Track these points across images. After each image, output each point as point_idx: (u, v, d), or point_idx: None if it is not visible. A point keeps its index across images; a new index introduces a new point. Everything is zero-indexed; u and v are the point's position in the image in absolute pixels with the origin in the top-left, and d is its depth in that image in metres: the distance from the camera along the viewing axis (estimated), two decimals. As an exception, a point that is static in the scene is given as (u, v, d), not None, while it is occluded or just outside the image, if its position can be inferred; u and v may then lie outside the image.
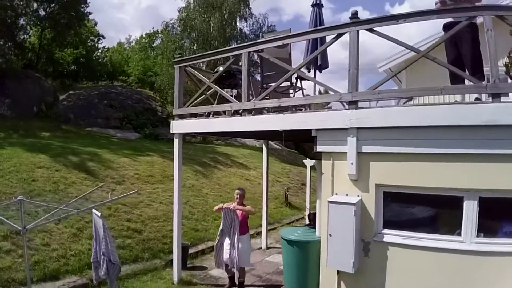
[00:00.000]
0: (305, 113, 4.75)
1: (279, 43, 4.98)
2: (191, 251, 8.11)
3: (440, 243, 4.10)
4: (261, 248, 8.97)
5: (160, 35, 29.21)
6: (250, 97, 5.33)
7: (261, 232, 9.52)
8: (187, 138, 19.65)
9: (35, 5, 22.11)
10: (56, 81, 23.94)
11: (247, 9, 24.38)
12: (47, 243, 7.00)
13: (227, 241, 6.10)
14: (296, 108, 5.58)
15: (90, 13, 24.97)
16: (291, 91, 5.98)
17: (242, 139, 20.83)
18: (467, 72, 4.44)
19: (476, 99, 4.56)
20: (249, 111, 5.34)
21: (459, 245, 4.02)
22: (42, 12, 22.73)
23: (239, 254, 5.92)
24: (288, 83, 5.63)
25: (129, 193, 5.52)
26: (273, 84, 5.17)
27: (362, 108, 4.38)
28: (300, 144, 22.22)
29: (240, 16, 24.17)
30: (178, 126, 6.40)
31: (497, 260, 3.89)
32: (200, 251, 8.38)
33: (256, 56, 15.02)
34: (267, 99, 5.17)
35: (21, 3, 21.49)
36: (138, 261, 7.46)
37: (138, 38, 33.59)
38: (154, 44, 30.74)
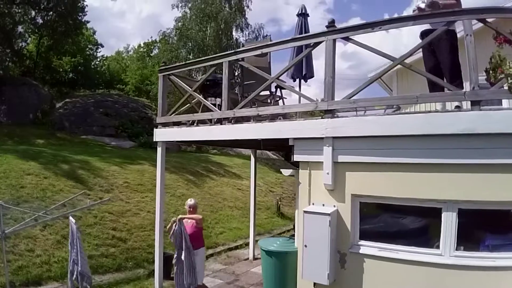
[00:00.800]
0: (282, 122, 4.71)
1: (258, 52, 4.96)
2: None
3: (417, 256, 3.98)
4: (248, 258, 8.86)
5: (158, 45, 29.36)
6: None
7: (248, 243, 9.39)
8: (183, 147, 19.61)
9: (33, 12, 22.28)
10: (53, 89, 24.03)
11: (243, 19, 24.53)
12: (31, 249, 7.01)
13: (182, 260, 5.58)
14: (283, 117, 5.54)
15: (87, 22, 25.22)
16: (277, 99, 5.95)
17: (238, 149, 20.77)
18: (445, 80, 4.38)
19: (456, 107, 4.48)
20: (230, 120, 5.30)
21: (438, 259, 3.91)
22: (40, 20, 22.88)
23: (197, 271, 5.61)
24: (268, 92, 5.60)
25: (100, 200, 5.47)
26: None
27: (337, 117, 4.33)
28: (289, 153, 22.06)
29: (236, 26, 24.30)
30: (161, 135, 6.35)
31: (478, 275, 3.77)
32: (185, 261, 8.25)
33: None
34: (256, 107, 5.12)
35: (19, 10, 21.68)
36: (121, 270, 7.39)
37: (136, 47, 33.79)
38: (152, 54, 30.89)
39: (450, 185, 3.86)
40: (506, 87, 3.81)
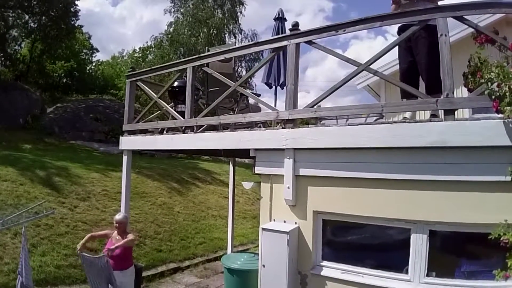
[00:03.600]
0: (242, 132, 4.41)
1: (222, 57, 4.67)
2: (148, 273, 7.69)
3: (384, 281, 3.62)
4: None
5: (153, 49, 29.19)
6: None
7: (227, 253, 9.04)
8: (174, 154, 19.28)
9: (26, 16, 22.12)
10: (46, 93, 23.77)
11: (236, 25, 24.36)
12: (0, 257, 6.75)
13: None
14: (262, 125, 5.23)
15: (81, 26, 24.98)
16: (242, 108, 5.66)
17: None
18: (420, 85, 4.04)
19: (432, 115, 4.12)
20: (193, 129, 5.00)
21: (406, 285, 3.54)
22: (33, 24, 22.71)
23: None
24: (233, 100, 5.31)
25: (45, 213, 5.20)
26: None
27: (299, 127, 4.01)
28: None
29: (229, 31, 24.14)
30: (126, 143, 6.06)
31: (451, 305, 3.38)
32: (159, 273, 7.93)
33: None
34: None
35: (13, 14, 21.53)
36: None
37: (131, 52, 33.60)
38: (147, 59, 30.69)
39: (420, 204, 3.48)
40: (486, 94, 3.44)
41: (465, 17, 3.50)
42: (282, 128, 4.04)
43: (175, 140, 5.14)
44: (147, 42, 31.68)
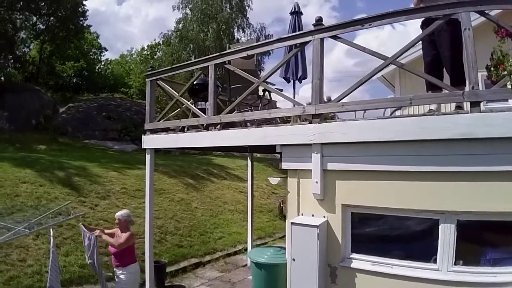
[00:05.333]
0: (268, 128, 4.43)
1: (244, 54, 4.69)
2: (171, 268, 7.83)
3: (413, 271, 3.66)
4: (246, 265, 8.59)
5: (162, 47, 29.26)
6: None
7: (247, 248, 9.13)
8: (186, 150, 19.43)
9: (34, 18, 22.30)
10: (57, 94, 24.01)
11: (244, 19, 24.27)
12: (23, 259, 6.87)
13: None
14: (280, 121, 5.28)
15: (90, 26, 25.12)
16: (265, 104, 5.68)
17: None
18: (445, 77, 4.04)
19: (457, 107, 4.15)
20: (218, 125, 5.04)
21: (435, 274, 3.58)
22: (41, 26, 22.90)
23: None
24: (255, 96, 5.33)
25: (76, 214, 5.30)
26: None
27: (326, 121, 4.03)
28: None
29: (238, 26, 24.05)
30: (148, 142, 6.14)
31: (478, 291, 3.43)
32: (181, 268, 8.06)
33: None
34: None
35: (20, 16, 21.71)
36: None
37: (140, 50, 33.71)
38: (156, 56, 30.79)
39: (448, 194, 3.52)
40: (509, 86, 3.47)
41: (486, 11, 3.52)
42: (309, 123, 4.06)
43: (199, 138, 5.20)
44: (154, 39, 31.80)
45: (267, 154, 19.15)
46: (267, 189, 14.93)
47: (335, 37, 4.02)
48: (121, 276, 5.34)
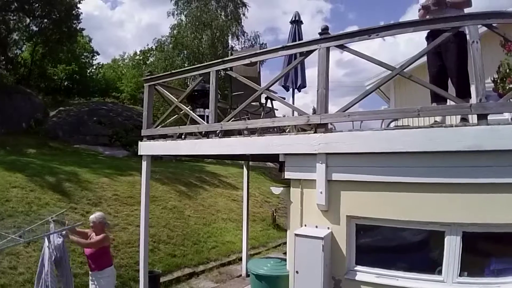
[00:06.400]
0: (271, 137, 4.36)
1: (247, 61, 4.63)
2: (165, 279, 7.63)
3: (418, 283, 3.64)
4: (241, 275, 8.45)
5: (154, 52, 29.15)
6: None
7: (241, 257, 8.99)
8: (178, 157, 19.25)
9: (27, 20, 22.02)
10: (48, 97, 23.67)
11: (239, 27, 24.31)
12: (14, 266, 6.64)
13: None
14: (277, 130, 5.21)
15: (83, 29, 24.89)
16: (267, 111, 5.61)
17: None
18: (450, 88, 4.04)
19: (463, 119, 4.14)
20: (218, 133, 4.96)
21: (440, 286, 3.58)
22: (34, 28, 22.62)
23: None
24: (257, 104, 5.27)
25: (75, 224, 5.14)
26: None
27: (331, 131, 3.99)
28: (282, 165, 21.68)
29: (232, 33, 24.08)
30: (146, 148, 6.02)
31: (482, 303, 3.41)
32: (175, 278, 7.87)
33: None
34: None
35: (14, 18, 21.43)
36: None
37: (132, 55, 33.55)
38: (148, 62, 30.66)
39: (455, 206, 3.52)
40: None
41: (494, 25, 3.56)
42: (314, 132, 4.00)
43: (199, 145, 5.10)
44: (147, 44, 31.69)
45: (259, 162, 19.10)
46: (260, 198, 14.82)
47: (341, 47, 3.99)
48: (96, 282, 5.12)
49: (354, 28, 4.00)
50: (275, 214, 13.22)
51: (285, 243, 11.42)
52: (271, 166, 21.17)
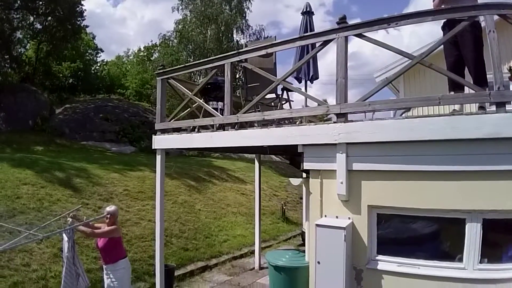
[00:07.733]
0: (290, 127, 4.35)
1: (263, 52, 4.61)
2: (179, 272, 7.68)
3: (439, 270, 3.67)
4: (254, 268, 8.49)
5: (158, 48, 29.09)
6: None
7: (254, 251, 9.01)
8: (184, 152, 19.26)
9: (31, 18, 21.99)
10: (53, 95, 23.67)
11: (243, 21, 24.23)
12: (27, 263, 6.66)
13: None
14: (288, 121, 5.21)
15: (87, 26, 24.82)
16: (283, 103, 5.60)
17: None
18: (467, 77, 4.02)
19: (480, 108, 4.13)
20: (233, 125, 4.95)
21: (461, 273, 3.60)
22: (38, 26, 22.59)
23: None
24: (273, 95, 5.25)
25: (95, 218, 5.15)
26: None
27: (351, 121, 3.97)
28: (294, 158, 21.71)
29: (237, 28, 24.00)
30: (160, 142, 6.02)
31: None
32: (188, 272, 7.92)
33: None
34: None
35: (18, 16, 21.41)
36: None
37: (136, 52, 33.52)
38: (153, 58, 30.61)
39: (475, 194, 3.54)
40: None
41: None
42: (334, 122, 3.99)
43: (215, 138, 5.10)
44: (151, 40, 31.63)
45: (265, 156, 19.06)
46: (269, 191, 14.84)
47: (360, 35, 3.97)
48: (112, 274, 5.16)
49: (357, 20, 3.98)
50: (284, 207, 13.25)
51: (295, 236, 11.52)
52: (278, 161, 21.18)
